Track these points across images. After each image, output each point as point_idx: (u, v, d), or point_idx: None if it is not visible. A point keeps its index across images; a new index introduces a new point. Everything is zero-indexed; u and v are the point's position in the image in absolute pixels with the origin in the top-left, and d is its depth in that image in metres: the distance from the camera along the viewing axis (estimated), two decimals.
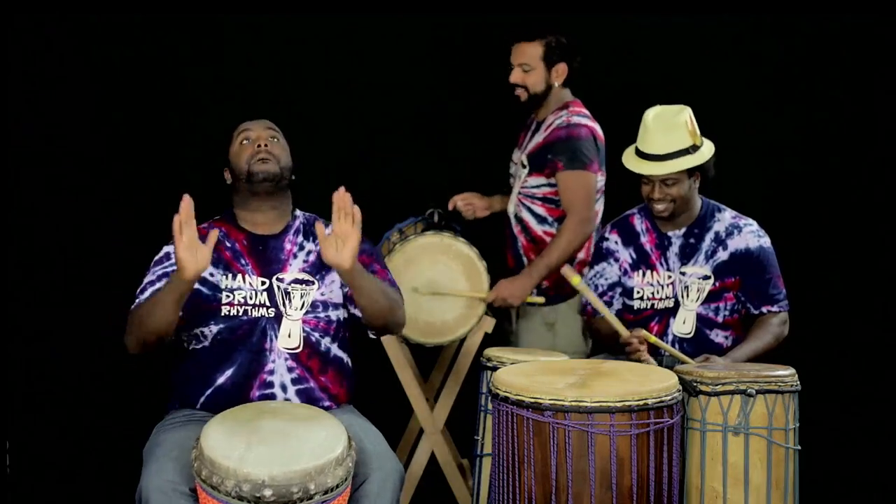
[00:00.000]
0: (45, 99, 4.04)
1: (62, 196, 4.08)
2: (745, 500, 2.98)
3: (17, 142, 4.01)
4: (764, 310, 3.41)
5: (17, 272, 4.01)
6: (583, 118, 3.77)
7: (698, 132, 3.36)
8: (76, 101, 4.09)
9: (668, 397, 2.77)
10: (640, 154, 3.38)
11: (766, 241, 3.44)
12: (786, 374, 3.07)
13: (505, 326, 4.01)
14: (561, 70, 3.79)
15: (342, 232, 2.69)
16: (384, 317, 2.89)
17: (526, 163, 3.83)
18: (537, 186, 3.80)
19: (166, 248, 2.93)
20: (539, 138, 3.81)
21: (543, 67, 3.78)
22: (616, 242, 3.55)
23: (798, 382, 3.08)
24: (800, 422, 3.08)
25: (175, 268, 2.67)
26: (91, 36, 4.07)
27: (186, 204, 2.62)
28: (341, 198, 2.69)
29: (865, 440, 4.16)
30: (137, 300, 2.85)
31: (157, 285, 2.83)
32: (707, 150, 3.38)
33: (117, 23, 4.07)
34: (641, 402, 2.71)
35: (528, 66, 3.78)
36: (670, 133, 3.33)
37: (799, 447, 3.06)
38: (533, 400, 2.73)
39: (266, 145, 2.93)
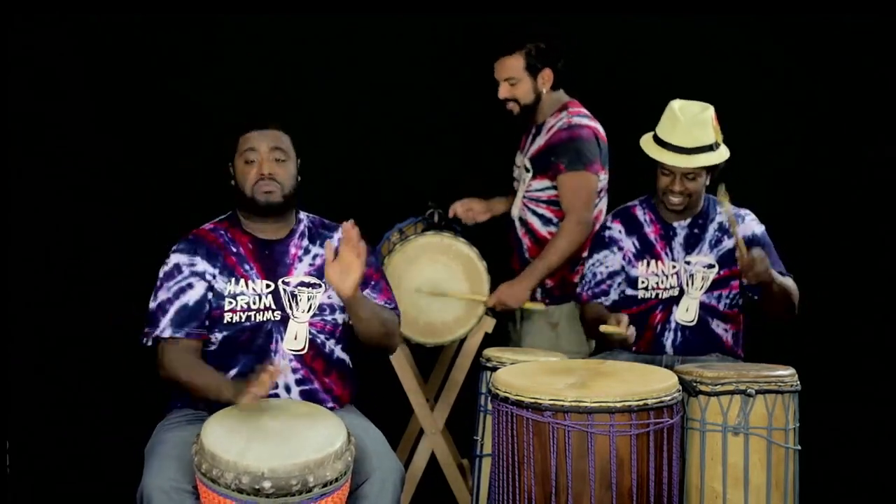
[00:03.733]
0: (44, 99, 4.04)
1: (62, 196, 4.07)
2: (744, 501, 2.98)
3: (17, 142, 4.00)
4: None
5: (17, 272, 4.01)
6: (583, 118, 3.77)
7: (720, 130, 3.38)
8: (76, 100, 4.08)
9: (668, 397, 2.77)
10: (663, 144, 3.37)
11: (763, 228, 3.50)
12: (786, 374, 3.07)
13: (508, 327, 4.01)
14: (546, 76, 3.78)
15: (348, 262, 2.74)
16: (377, 341, 2.96)
17: (529, 166, 3.83)
18: (542, 189, 3.80)
19: (175, 259, 2.90)
20: (541, 141, 3.81)
21: (529, 77, 3.77)
22: (619, 231, 3.55)
23: (798, 382, 3.08)
24: (800, 422, 3.08)
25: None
26: (91, 36, 4.07)
27: None
28: (348, 231, 2.74)
29: (865, 440, 4.16)
30: (159, 326, 2.84)
31: (176, 304, 2.84)
32: (724, 148, 3.40)
33: (117, 23, 4.07)
34: (641, 403, 2.71)
35: (514, 78, 3.77)
36: (699, 127, 3.34)
37: (799, 447, 3.06)
38: (532, 400, 2.73)
39: (270, 173, 2.89)
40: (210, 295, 2.87)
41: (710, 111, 3.38)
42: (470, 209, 4.01)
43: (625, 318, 3.27)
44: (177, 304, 2.85)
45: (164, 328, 2.84)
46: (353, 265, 2.74)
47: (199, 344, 2.86)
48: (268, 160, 2.90)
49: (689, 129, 3.34)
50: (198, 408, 2.86)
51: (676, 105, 3.39)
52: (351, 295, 2.77)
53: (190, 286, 2.86)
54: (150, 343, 2.87)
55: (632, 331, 3.25)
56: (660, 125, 3.42)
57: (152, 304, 2.88)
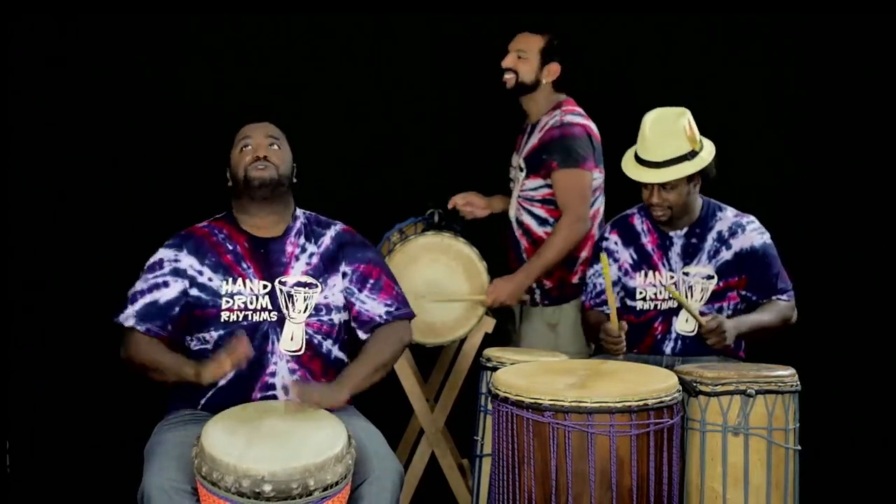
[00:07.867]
0: (43, 99, 4.04)
1: (62, 196, 4.07)
2: (744, 501, 2.98)
3: (16, 142, 4.00)
4: (773, 297, 3.43)
5: (17, 272, 4.01)
6: (576, 116, 3.77)
7: (698, 136, 3.35)
8: (75, 100, 4.08)
9: (668, 397, 2.77)
10: (639, 160, 3.38)
11: (767, 237, 3.45)
12: (786, 374, 3.07)
13: (508, 328, 4.01)
14: (553, 69, 3.78)
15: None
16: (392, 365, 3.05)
17: (523, 166, 3.83)
18: (535, 189, 3.80)
19: (161, 253, 2.94)
20: (534, 140, 3.81)
21: (539, 60, 3.78)
22: (616, 243, 3.54)
23: (798, 382, 3.08)
24: (800, 422, 3.08)
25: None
26: (91, 36, 4.06)
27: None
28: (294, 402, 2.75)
29: (865, 440, 4.16)
30: (125, 313, 2.88)
31: (147, 298, 2.88)
32: (707, 154, 3.37)
33: (116, 23, 4.07)
34: (641, 403, 2.71)
35: (525, 53, 3.78)
36: (668, 140, 3.31)
37: (799, 447, 3.06)
38: (533, 400, 2.73)
39: (265, 156, 2.93)
40: (189, 296, 2.88)
41: (682, 120, 3.33)
42: (469, 203, 4.01)
43: (625, 325, 3.28)
44: (147, 298, 2.88)
45: (128, 317, 2.88)
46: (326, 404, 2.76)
47: (157, 340, 2.87)
48: (263, 145, 2.95)
49: (656, 142, 3.31)
50: (197, 408, 2.86)
51: (648, 119, 3.36)
52: (344, 400, 2.82)
53: (165, 284, 2.89)
54: (116, 322, 2.90)
55: (623, 343, 3.27)
56: (637, 140, 3.42)
57: (130, 290, 2.92)
